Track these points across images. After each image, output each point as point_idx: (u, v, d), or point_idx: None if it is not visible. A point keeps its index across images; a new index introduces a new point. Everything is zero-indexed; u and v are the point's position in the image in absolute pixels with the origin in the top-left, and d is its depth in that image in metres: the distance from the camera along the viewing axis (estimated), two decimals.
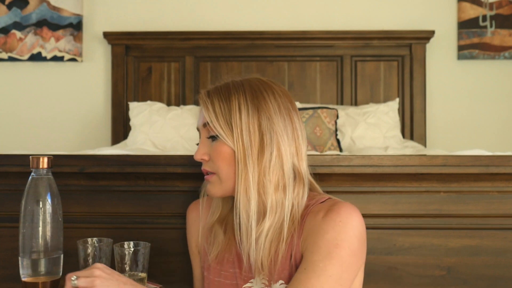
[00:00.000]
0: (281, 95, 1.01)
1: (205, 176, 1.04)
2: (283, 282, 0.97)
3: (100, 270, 0.89)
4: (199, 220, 1.13)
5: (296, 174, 1.00)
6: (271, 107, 0.98)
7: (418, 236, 1.23)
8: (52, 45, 3.33)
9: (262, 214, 0.98)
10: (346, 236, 0.91)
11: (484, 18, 3.29)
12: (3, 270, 1.25)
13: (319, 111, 2.82)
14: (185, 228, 1.21)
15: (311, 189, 1.05)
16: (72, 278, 0.89)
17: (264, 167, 0.96)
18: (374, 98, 3.26)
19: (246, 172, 0.96)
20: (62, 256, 1.02)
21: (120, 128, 3.27)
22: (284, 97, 1.02)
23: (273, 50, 3.28)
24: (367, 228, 1.20)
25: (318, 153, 2.34)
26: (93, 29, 3.37)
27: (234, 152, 0.98)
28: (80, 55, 3.33)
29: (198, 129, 1.06)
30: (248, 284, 1.01)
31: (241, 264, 1.02)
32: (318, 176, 1.17)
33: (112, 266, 1.06)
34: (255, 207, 0.97)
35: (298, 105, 3.04)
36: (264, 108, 0.98)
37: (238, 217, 0.99)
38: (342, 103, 3.27)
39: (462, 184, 1.22)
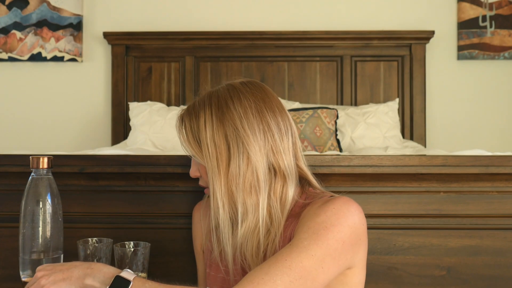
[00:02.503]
0: (249, 97, 1.01)
1: (205, 190, 1.08)
2: None
3: (41, 271, 0.91)
4: (204, 219, 1.15)
5: (273, 172, 0.99)
6: (236, 115, 0.99)
7: (418, 236, 1.23)
8: (52, 45, 3.33)
9: (236, 221, 0.99)
10: (337, 222, 0.90)
11: (484, 18, 3.29)
12: (3, 270, 1.25)
13: (319, 111, 2.83)
14: (185, 228, 1.21)
15: (309, 183, 1.05)
16: None
17: (233, 175, 0.97)
18: (374, 98, 3.27)
19: (214, 185, 0.98)
20: (62, 256, 1.02)
21: (120, 128, 3.27)
22: (253, 97, 1.01)
23: (273, 50, 3.28)
24: (367, 228, 1.20)
25: (318, 153, 2.34)
26: (93, 29, 3.37)
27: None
28: (80, 55, 3.33)
29: None
30: None
31: (235, 259, 1.03)
32: (318, 176, 1.17)
33: (112, 266, 1.06)
34: (227, 217, 0.98)
35: (298, 105, 3.04)
36: (228, 118, 0.99)
37: (213, 228, 1.03)
38: (342, 103, 3.27)
39: (462, 184, 1.22)
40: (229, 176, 0.97)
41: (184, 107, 3.25)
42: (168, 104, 3.26)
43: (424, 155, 1.21)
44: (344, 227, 0.90)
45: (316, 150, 2.71)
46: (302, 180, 1.05)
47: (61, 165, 1.21)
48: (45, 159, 0.99)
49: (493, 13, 3.29)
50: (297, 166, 1.04)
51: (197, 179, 1.22)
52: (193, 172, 1.07)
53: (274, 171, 0.99)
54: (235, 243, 0.99)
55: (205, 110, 1.01)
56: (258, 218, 0.97)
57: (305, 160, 1.06)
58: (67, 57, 3.33)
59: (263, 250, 0.97)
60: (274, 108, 1.02)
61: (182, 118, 1.05)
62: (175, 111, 2.94)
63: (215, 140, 0.98)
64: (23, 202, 0.99)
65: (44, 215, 0.98)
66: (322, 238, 0.88)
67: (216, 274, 1.07)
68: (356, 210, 0.93)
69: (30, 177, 1.00)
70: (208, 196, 1.12)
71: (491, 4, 3.29)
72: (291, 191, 1.00)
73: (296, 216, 0.99)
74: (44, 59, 3.33)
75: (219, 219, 0.99)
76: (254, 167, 0.97)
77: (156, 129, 2.85)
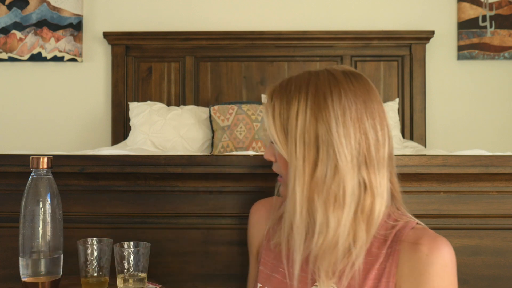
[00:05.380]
0: (350, 97, 0.89)
1: (278, 178, 1.00)
2: None
3: None
4: (263, 220, 1.08)
5: (363, 186, 0.89)
6: (332, 115, 0.87)
7: None
8: (52, 45, 3.33)
9: (311, 232, 0.90)
10: (449, 282, 0.87)
11: (484, 18, 3.29)
12: (3, 270, 1.25)
13: None
14: (186, 228, 1.21)
15: (395, 201, 0.96)
16: None
17: (317, 182, 0.87)
18: None
19: (294, 187, 0.89)
20: (62, 256, 1.02)
21: (120, 128, 3.27)
22: (355, 98, 0.89)
23: (273, 50, 3.28)
24: None
25: None
26: (93, 29, 3.37)
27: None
28: (80, 55, 3.33)
29: None
30: None
31: (306, 269, 0.95)
32: None
33: (112, 266, 1.07)
34: (303, 224, 0.89)
35: None
36: (324, 117, 0.87)
37: (285, 231, 0.93)
38: None
39: (462, 184, 1.22)
40: (313, 181, 0.88)
41: (185, 107, 3.25)
42: (168, 104, 3.26)
43: (424, 155, 1.21)
44: (456, 284, 0.88)
45: None
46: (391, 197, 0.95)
47: (61, 165, 1.21)
48: (45, 159, 0.99)
49: (493, 13, 3.29)
50: (390, 180, 0.94)
51: (197, 179, 1.22)
52: (268, 156, 0.98)
53: (364, 186, 0.89)
54: (306, 253, 0.91)
55: (299, 98, 0.90)
56: (339, 236, 0.88)
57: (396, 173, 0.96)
58: (67, 57, 3.33)
59: (341, 270, 0.90)
60: (375, 114, 0.90)
61: (272, 96, 0.94)
62: (175, 111, 2.95)
63: (305, 137, 0.88)
64: (23, 202, 0.99)
65: (44, 215, 0.98)
66: None
67: (271, 273, 1.01)
68: (454, 256, 0.89)
69: (30, 177, 1.00)
70: (278, 194, 1.04)
71: (491, 4, 3.29)
72: (381, 210, 0.90)
73: (381, 241, 0.91)
74: (44, 59, 3.33)
75: (292, 223, 0.90)
76: (342, 179, 0.87)
77: (156, 129, 2.85)
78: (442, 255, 0.87)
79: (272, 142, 0.95)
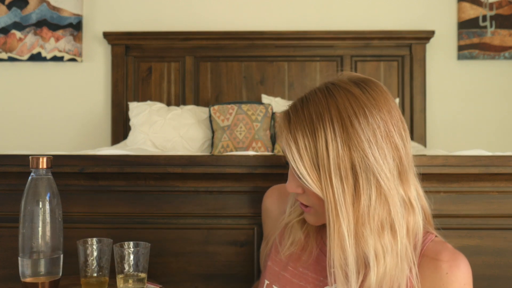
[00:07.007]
0: (375, 114, 0.83)
1: (301, 206, 0.93)
2: None
3: None
4: (274, 208, 1.07)
5: (403, 203, 0.85)
6: (364, 139, 0.81)
7: None
8: (52, 45, 3.33)
9: (363, 266, 0.84)
10: None
11: (484, 18, 3.29)
12: (3, 270, 1.25)
13: None
14: (185, 228, 1.21)
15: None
16: None
17: (362, 215, 0.81)
18: None
19: (339, 225, 0.81)
20: (62, 256, 1.02)
21: (120, 128, 3.27)
22: (379, 113, 0.83)
23: (273, 50, 3.28)
24: None
25: None
26: (93, 29, 3.37)
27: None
28: (80, 55, 3.33)
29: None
30: None
31: (317, 269, 0.93)
32: None
33: (112, 266, 1.06)
34: (354, 262, 0.83)
35: None
36: (356, 143, 0.81)
37: (333, 275, 0.85)
38: None
39: (462, 184, 1.22)
40: (358, 213, 0.81)
41: (185, 107, 3.24)
42: (168, 104, 3.26)
43: (424, 155, 1.21)
44: None
45: None
46: None
47: (61, 165, 1.20)
48: (45, 159, 0.99)
49: (493, 13, 3.29)
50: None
51: (197, 179, 1.22)
52: (293, 188, 0.89)
53: (403, 201, 0.85)
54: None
55: (324, 126, 0.82)
56: (397, 260, 0.83)
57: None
58: (67, 57, 3.33)
59: None
60: (398, 121, 0.85)
61: (289, 129, 0.85)
62: (175, 111, 2.94)
63: (340, 169, 0.81)
64: (23, 202, 0.99)
65: (43, 215, 0.98)
66: None
67: (280, 271, 0.98)
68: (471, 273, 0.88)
69: (30, 177, 1.00)
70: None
71: (491, 4, 3.29)
72: (421, 224, 0.87)
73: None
74: (44, 59, 3.33)
75: (344, 267, 0.83)
76: (388, 202, 0.82)
77: (156, 129, 2.85)
78: (462, 273, 0.86)
79: (298, 177, 0.86)
